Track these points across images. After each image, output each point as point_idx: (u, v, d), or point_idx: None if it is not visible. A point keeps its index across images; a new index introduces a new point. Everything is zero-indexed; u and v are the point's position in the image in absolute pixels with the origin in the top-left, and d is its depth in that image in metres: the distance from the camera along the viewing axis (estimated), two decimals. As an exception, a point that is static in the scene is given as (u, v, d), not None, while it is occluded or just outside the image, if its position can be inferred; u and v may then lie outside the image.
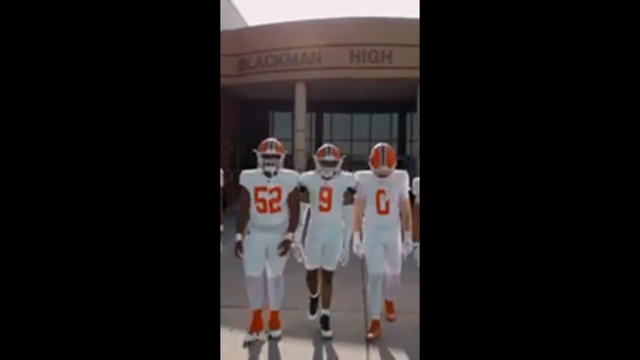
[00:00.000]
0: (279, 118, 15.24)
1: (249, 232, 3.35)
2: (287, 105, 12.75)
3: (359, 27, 11.08)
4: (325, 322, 3.47)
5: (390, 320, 3.59)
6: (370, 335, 3.40)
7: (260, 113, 15.03)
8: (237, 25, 14.00)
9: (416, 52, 10.35)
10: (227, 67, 11.07)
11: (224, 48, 9.85)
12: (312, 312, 3.65)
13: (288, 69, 11.36)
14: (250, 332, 3.33)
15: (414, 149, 12.83)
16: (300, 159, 11.62)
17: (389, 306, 3.66)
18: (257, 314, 3.37)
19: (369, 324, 3.50)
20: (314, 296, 3.60)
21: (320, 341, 3.39)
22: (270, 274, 3.37)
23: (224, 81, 10.34)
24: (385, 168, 3.37)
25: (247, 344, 3.25)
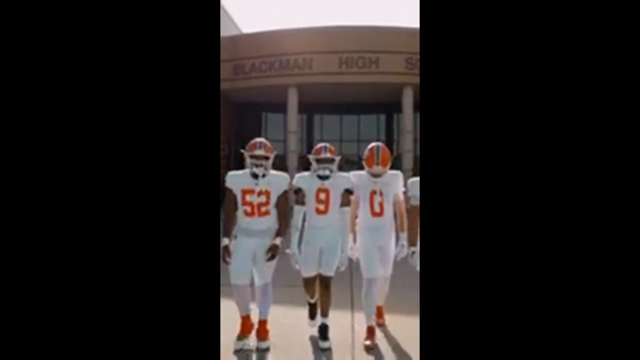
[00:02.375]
0: (272, 120, 15.76)
1: (235, 237, 3.17)
2: (280, 107, 13.30)
3: (348, 35, 11.75)
4: (323, 332, 3.20)
5: (380, 325, 3.44)
6: (368, 342, 3.16)
7: (253, 115, 15.55)
8: (232, 32, 14.52)
9: (401, 58, 11.08)
10: (222, 72, 11.57)
11: (220, 54, 10.39)
12: (312, 316, 3.40)
13: (281, 74, 12.00)
14: (239, 338, 3.12)
15: (400, 148, 13.43)
16: (292, 159, 12.26)
17: (379, 311, 3.44)
18: (246, 319, 3.18)
19: (366, 330, 3.25)
20: (312, 301, 3.38)
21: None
22: (257, 282, 3.15)
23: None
24: (379, 168, 3.24)
25: (237, 352, 3.07)
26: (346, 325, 3.50)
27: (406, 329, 3.32)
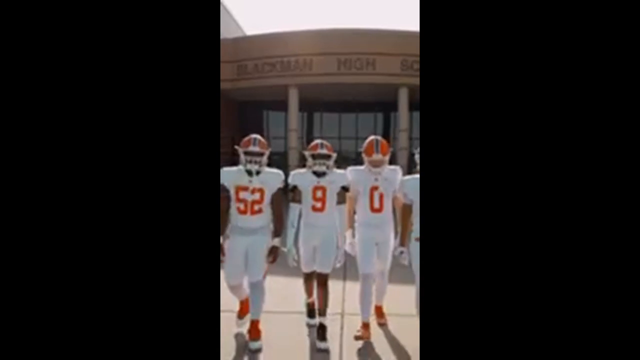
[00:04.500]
0: (273, 118, 16.19)
1: (227, 236, 3.13)
2: (281, 105, 13.78)
3: (346, 37, 12.25)
4: (322, 332, 3.13)
5: (380, 324, 3.41)
6: (359, 334, 3.20)
7: (255, 114, 16.04)
8: (236, 34, 14.98)
9: (397, 60, 11.64)
10: (226, 72, 12.15)
11: (224, 55, 10.91)
12: (311, 315, 3.45)
13: (282, 74, 12.50)
14: (240, 317, 3.32)
15: (397, 146, 13.88)
16: (293, 156, 12.78)
17: (379, 311, 3.46)
18: (245, 302, 3.25)
19: (360, 326, 3.24)
20: (310, 300, 3.45)
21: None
22: (249, 278, 3.08)
23: (223, 85, 11.44)
24: (379, 156, 3.21)
25: (239, 327, 3.30)
26: (338, 297, 3.82)
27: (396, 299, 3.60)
